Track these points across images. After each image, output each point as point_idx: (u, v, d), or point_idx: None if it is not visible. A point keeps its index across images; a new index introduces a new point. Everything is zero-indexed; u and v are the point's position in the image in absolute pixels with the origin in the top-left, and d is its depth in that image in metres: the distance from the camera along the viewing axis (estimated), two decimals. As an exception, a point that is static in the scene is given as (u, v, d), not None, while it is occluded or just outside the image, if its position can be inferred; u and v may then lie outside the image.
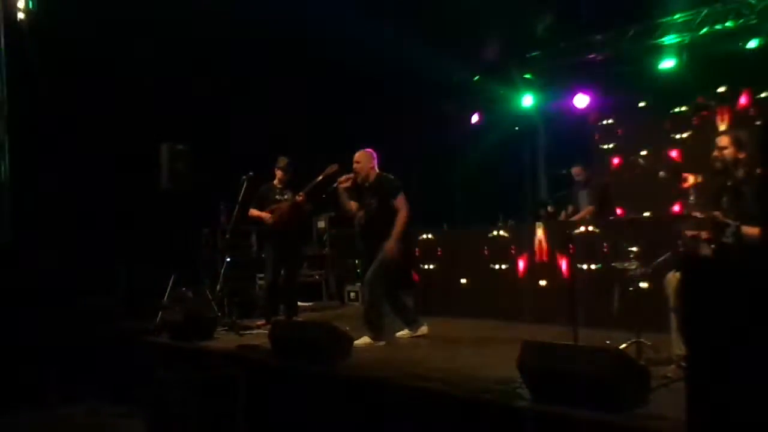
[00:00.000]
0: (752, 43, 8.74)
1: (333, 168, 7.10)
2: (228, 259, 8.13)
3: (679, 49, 9.38)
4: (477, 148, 11.79)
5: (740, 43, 8.85)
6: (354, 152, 6.53)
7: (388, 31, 9.15)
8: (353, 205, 6.55)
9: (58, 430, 6.16)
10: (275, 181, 7.76)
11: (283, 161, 7.73)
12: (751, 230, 4.01)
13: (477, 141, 11.80)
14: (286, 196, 7.62)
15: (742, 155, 4.61)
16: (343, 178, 6.46)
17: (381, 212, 6.32)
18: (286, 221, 7.52)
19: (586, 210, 8.19)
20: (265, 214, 7.57)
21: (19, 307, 7.43)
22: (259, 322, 7.50)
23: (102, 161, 8.91)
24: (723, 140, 4.69)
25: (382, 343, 6.18)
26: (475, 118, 11.92)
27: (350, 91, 10.54)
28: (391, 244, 6.16)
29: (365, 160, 6.46)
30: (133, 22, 8.93)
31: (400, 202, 6.26)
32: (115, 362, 7.07)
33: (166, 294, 7.94)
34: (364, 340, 6.11)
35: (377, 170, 6.49)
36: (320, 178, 7.14)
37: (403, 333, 6.50)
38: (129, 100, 9.03)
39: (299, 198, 7.40)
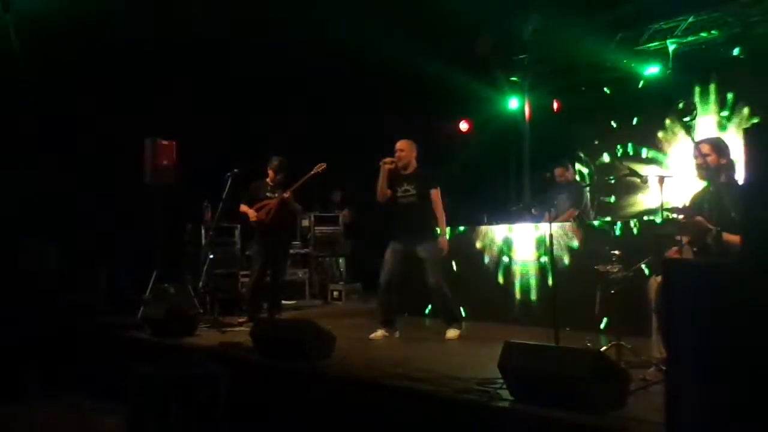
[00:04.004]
0: (735, 51, 8.84)
1: (321, 167, 7.31)
2: (211, 256, 8.11)
3: (665, 56, 9.49)
4: (463, 149, 11.82)
5: (724, 51, 8.96)
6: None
7: (377, 33, 9.15)
8: (388, 191, 6.58)
9: (39, 425, 6.11)
10: (267, 179, 7.77)
11: (275, 161, 7.74)
12: (732, 237, 4.03)
13: (463, 143, 11.82)
14: (276, 194, 7.63)
15: (723, 161, 4.63)
16: (389, 159, 6.52)
17: (419, 201, 6.47)
18: (273, 218, 7.52)
19: (568, 213, 8.23)
20: (251, 211, 7.56)
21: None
22: (241, 320, 7.49)
23: (85, 156, 8.85)
24: (704, 147, 4.70)
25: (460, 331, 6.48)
26: (464, 126, 11.96)
27: (341, 93, 10.53)
28: (444, 242, 6.49)
29: (409, 148, 6.59)
30: (117, 15, 8.88)
31: (437, 194, 6.46)
32: (96, 358, 7.03)
33: (148, 290, 7.91)
34: (452, 332, 6.41)
35: (416, 162, 6.62)
36: (308, 176, 7.37)
37: (377, 334, 6.48)
38: (113, 95, 8.98)
39: (286, 195, 7.44)
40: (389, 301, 6.51)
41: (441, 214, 6.50)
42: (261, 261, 7.66)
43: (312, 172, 7.38)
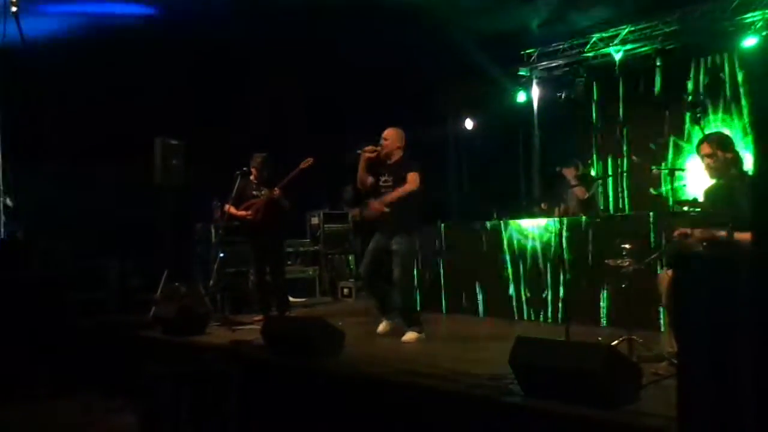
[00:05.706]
0: (751, 41, 8.76)
1: (308, 162, 7.24)
2: (221, 255, 8.12)
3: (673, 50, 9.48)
4: (471, 144, 11.80)
5: (734, 43, 8.90)
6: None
7: (384, 28, 9.13)
8: (369, 180, 6.36)
9: (49, 424, 6.14)
10: (252, 178, 7.68)
11: (258, 158, 7.65)
12: (743, 235, 3.97)
13: (471, 137, 11.80)
14: (262, 192, 7.57)
15: (729, 155, 4.59)
16: (369, 147, 6.29)
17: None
18: (262, 217, 7.47)
19: (579, 189, 8.21)
20: (240, 212, 7.53)
21: (10, 300, 7.41)
22: (256, 318, 7.48)
23: (95, 155, 8.88)
24: (705, 148, 4.65)
25: (423, 335, 6.11)
26: (469, 125, 11.90)
27: (347, 88, 10.51)
28: (379, 204, 6.09)
29: (394, 137, 6.31)
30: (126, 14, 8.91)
31: (412, 177, 6.05)
32: (107, 356, 7.06)
33: (159, 288, 7.93)
34: (410, 335, 6.05)
35: (402, 152, 6.33)
36: (295, 172, 7.30)
37: (382, 327, 6.44)
38: (122, 94, 9.00)
39: (276, 192, 7.39)
40: (378, 290, 6.40)
41: (405, 188, 6.01)
42: (256, 261, 7.65)
43: (299, 168, 7.31)
